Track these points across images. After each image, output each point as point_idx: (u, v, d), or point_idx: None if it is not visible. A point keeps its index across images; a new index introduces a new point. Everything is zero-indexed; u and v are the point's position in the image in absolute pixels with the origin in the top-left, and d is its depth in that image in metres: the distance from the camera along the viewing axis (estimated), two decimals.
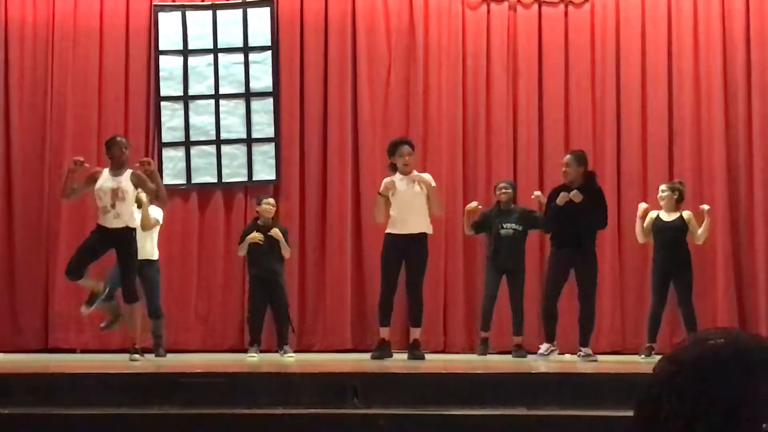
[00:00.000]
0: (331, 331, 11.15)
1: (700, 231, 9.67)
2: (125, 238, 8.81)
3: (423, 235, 9.02)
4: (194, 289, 11.32)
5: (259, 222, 9.89)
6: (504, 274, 9.94)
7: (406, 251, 8.96)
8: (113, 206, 8.78)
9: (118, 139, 9.14)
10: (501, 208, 10.02)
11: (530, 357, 9.44)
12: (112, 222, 8.79)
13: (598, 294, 10.90)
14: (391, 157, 9.22)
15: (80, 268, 8.91)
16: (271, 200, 10.05)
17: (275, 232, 9.72)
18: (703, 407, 1.19)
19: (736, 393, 1.19)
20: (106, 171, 8.96)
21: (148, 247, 9.74)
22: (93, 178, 8.94)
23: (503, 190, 10.07)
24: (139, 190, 9.08)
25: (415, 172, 9.25)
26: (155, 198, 9.16)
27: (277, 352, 9.81)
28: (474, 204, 10.03)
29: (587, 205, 8.95)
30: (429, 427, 5.85)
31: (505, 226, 9.91)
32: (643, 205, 9.87)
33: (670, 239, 9.56)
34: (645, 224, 9.74)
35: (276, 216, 10.05)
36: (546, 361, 8.86)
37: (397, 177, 9.13)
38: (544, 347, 9.12)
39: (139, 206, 9.31)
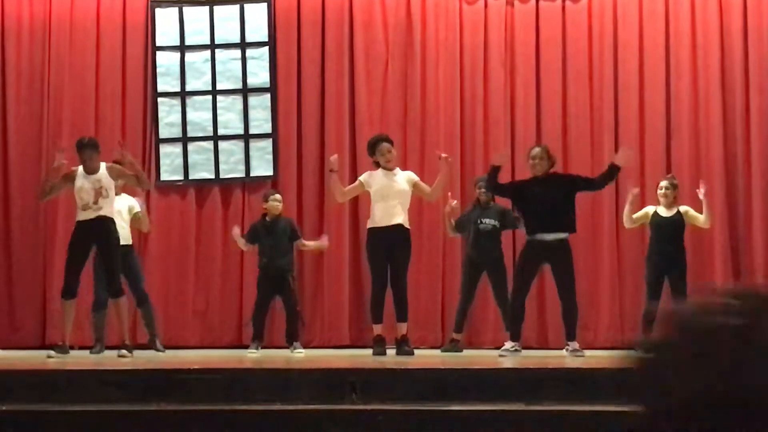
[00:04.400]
0: (329, 327, 11.15)
1: (702, 217, 9.63)
2: (105, 228, 8.76)
3: (405, 229, 9.01)
4: (192, 286, 11.31)
5: (267, 218, 9.91)
6: (483, 272, 9.93)
7: (390, 245, 8.94)
8: (95, 202, 8.78)
9: (83, 147, 8.96)
10: (480, 205, 10.03)
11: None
12: (92, 215, 8.77)
13: (597, 289, 10.93)
14: (372, 156, 9.21)
15: (75, 286, 8.88)
16: (278, 196, 10.08)
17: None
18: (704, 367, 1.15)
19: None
20: (80, 169, 8.90)
21: (124, 233, 9.62)
22: (70, 178, 8.89)
23: (483, 189, 10.08)
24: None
25: (398, 169, 9.25)
26: (138, 184, 9.18)
27: (282, 347, 9.83)
28: (452, 204, 9.97)
29: (558, 194, 8.86)
30: (427, 423, 5.85)
31: (483, 221, 9.91)
32: (635, 191, 9.82)
33: (668, 235, 9.53)
34: (638, 215, 9.71)
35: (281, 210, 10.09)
36: (513, 356, 8.77)
37: (379, 172, 9.14)
38: (509, 344, 8.98)
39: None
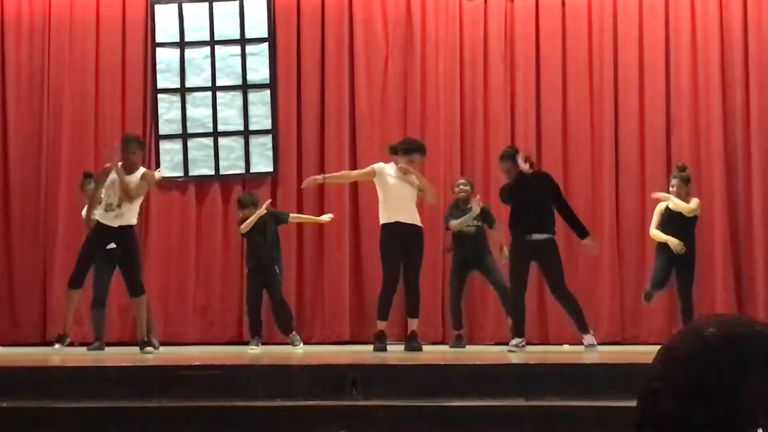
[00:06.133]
0: (330, 323, 11.16)
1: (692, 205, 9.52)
2: (127, 235, 8.70)
3: (419, 228, 9.00)
4: (192, 282, 11.32)
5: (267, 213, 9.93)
6: (470, 270, 9.96)
7: (405, 242, 8.93)
8: (119, 206, 8.64)
9: (129, 140, 8.88)
10: (459, 206, 10.05)
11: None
12: (114, 221, 8.66)
13: (597, 285, 10.92)
14: (399, 153, 9.00)
15: (82, 277, 8.82)
16: (253, 197, 10.02)
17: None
18: (698, 400, 1.17)
19: (729, 384, 1.17)
20: (119, 165, 8.72)
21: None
22: (106, 172, 8.80)
23: (461, 188, 10.10)
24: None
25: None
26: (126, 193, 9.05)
27: (282, 342, 9.86)
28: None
29: (542, 194, 8.85)
30: (428, 419, 5.85)
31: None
32: (661, 204, 9.68)
33: (679, 230, 9.42)
34: (656, 222, 9.56)
35: (273, 205, 10.08)
36: (519, 352, 8.75)
37: (392, 167, 9.09)
38: (515, 341, 8.93)
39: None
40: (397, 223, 8.91)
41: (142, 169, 8.85)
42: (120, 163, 8.73)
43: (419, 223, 9.01)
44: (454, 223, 9.93)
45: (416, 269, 9.01)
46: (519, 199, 8.86)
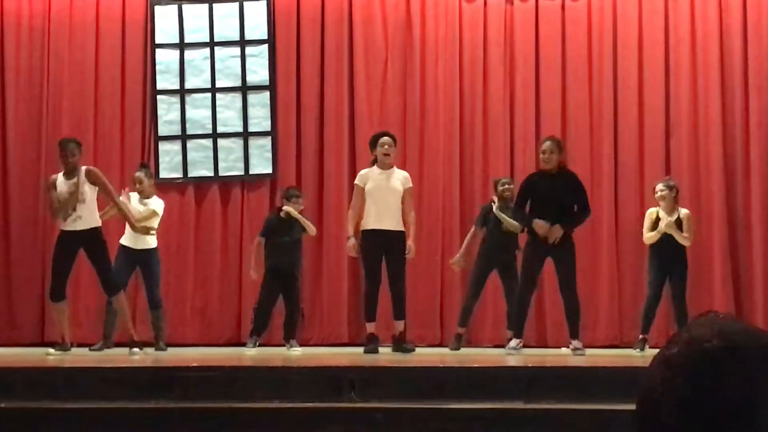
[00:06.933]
0: (328, 326, 11.16)
1: (684, 240, 9.56)
2: (92, 238, 8.69)
3: (400, 232, 8.96)
4: (191, 283, 11.31)
5: (282, 215, 9.87)
6: (495, 269, 9.94)
7: (386, 247, 8.90)
8: (74, 209, 8.66)
9: (66, 142, 8.89)
10: (506, 203, 10.00)
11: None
12: (75, 225, 8.67)
13: (596, 288, 10.92)
14: (373, 150, 9.17)
15: (63, 289, 8.82)
16: (301, 199, 10.02)
17: (290, 211, 9.76)
18: (702, 413, 1.17)
19: (733, 396, 1.17)
20: (60, 176, 8.79)
21: (148, 237, 9.75)
22: (53, 185, 8.79)
23: (507, 186, 10.06)
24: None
25: (395, 168, 9.20)
26: (113, 200, 8.99)
27: (281, 345, 9.83)
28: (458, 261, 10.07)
29: (565, 193, 8.80)
30: (426, 421, 5.85)
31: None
32: (651, 211, 9.74)
33: (669, 241, 9.46)
34: (649, 227, 9.61)
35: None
36: (518, 354, 8.74)
37: (375, 171, 9.09)
38: (514, 342, 8.93)
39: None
40: (375, 230, 8.90)
41: (83, 169, 8.80)
42: (62, 173, 8.76)
43: (401, 228, 8.97)
44: (513, 222, 9.73)
45: (399, 272, 8.97)
46: (538, 195, 8.75)
